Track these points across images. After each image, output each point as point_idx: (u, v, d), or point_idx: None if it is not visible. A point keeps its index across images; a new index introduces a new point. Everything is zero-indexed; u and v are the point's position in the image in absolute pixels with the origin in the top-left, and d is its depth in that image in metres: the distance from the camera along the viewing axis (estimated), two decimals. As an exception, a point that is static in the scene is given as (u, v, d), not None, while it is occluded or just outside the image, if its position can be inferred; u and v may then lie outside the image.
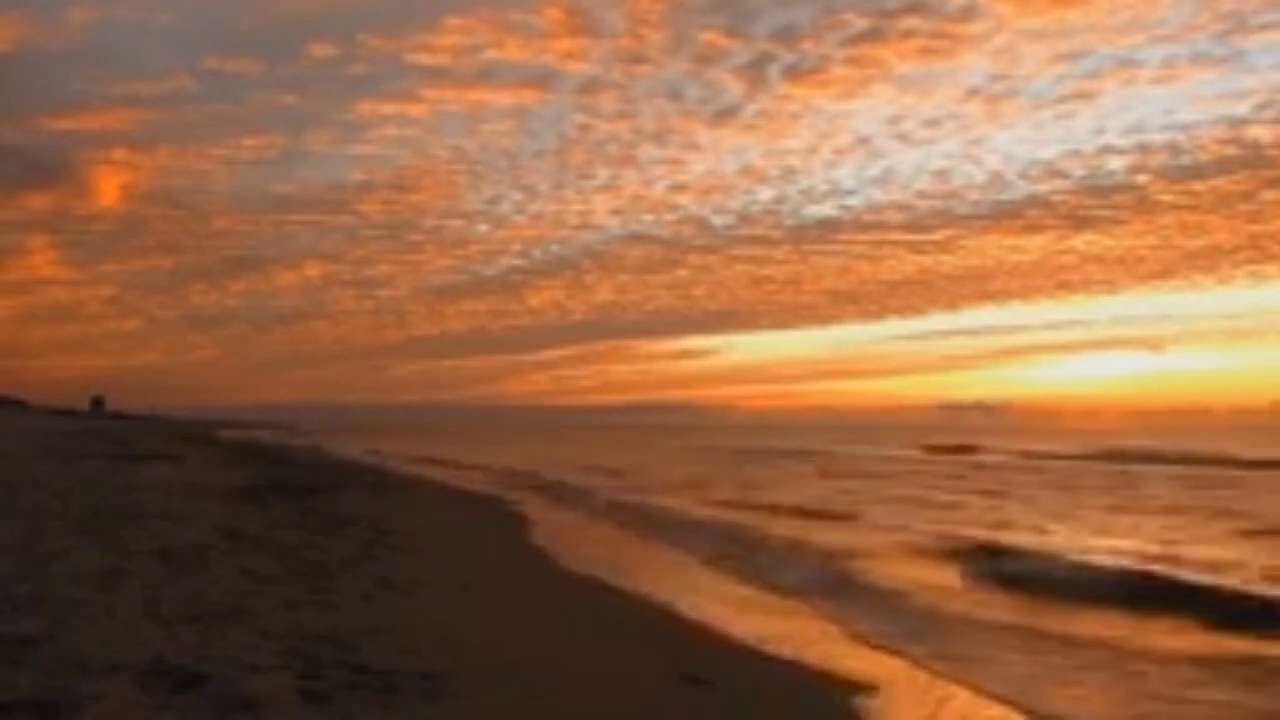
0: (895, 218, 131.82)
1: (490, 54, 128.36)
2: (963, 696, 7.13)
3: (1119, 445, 61.55)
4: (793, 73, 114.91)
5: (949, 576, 12.33)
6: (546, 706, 5.87)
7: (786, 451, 56.78)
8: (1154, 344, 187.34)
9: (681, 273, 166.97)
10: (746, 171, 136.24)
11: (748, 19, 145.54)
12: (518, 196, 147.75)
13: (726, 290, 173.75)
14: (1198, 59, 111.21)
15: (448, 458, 44.92)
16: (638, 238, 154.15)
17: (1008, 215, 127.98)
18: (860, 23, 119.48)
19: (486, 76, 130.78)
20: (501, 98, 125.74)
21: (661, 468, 39.14)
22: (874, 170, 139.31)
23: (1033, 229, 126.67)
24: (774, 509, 20.42)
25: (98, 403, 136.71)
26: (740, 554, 14.11)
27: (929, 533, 16.09)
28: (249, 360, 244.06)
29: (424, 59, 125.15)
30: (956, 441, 69.26)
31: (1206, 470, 38.64)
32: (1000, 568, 12.53)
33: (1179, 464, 43.28)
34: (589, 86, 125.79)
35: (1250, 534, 16.94)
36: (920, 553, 14.10)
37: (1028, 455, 54.26)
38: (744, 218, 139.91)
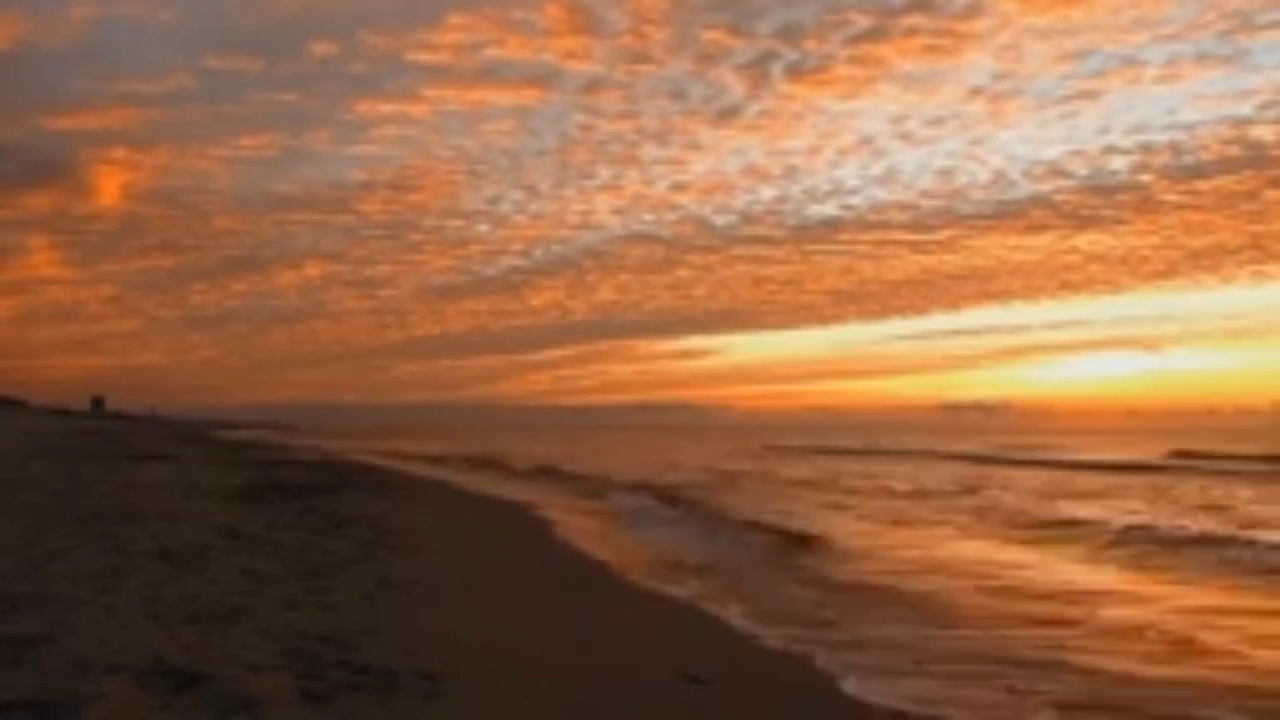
0: (898, 217, 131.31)
1: (491, 52, 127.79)
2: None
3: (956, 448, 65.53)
4: (796, 72, 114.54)
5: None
6: (547, 706, 5.87)
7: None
8: (1151, 344, 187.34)
9: (683, 272, 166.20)
10: (749, 171, 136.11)
11: (751, 17, 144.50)
12: (518, 196, 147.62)
13: (728, 290, 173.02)
14: (1202, 58, 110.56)
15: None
16: (639, 237, 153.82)
17: (1011, 215, 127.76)
18: (863, 21, 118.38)
19: (488, 75, 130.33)
20: (503, 97, 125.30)
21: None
22: (877, 169, 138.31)
23: (1036, 228, 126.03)
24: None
25: (98, 403, 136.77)
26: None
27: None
28: (249, 360, 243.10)
29: (425, 58, 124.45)
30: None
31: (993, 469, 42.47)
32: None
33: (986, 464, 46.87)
34: (591, 85, 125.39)
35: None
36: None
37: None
38: (746, 217, 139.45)
